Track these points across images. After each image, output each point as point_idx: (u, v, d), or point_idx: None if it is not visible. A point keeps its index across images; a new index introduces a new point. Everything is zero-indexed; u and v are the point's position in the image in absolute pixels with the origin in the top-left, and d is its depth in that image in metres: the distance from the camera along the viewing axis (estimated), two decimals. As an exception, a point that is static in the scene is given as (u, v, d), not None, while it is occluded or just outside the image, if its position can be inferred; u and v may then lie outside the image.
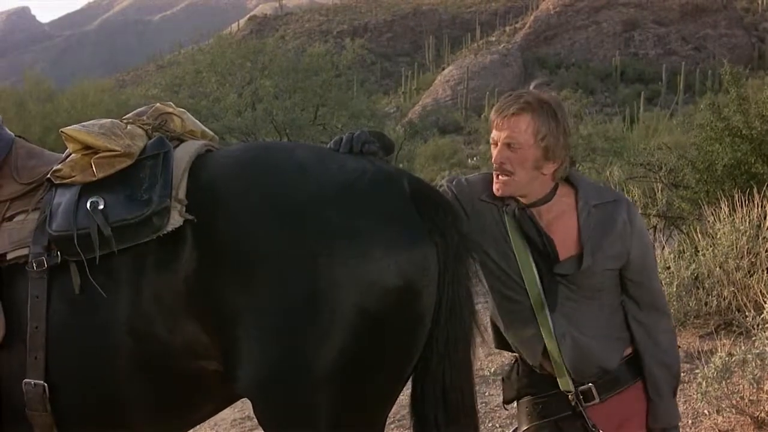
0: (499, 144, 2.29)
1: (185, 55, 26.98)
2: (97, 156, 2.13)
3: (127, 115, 2.36)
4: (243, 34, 73.25)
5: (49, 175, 2.16)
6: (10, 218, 2.14)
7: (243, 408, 4.76)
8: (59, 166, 2.15)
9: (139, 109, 2.38)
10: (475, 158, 37.60)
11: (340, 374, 1.88)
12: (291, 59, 23.07)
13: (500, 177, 2.30)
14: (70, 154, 2.20)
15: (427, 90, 67.16)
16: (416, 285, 1.94)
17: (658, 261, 6.28)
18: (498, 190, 2.32)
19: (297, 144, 2.39)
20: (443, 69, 71.55)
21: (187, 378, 2.03)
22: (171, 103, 2.44)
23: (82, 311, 2.01)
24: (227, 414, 4.84)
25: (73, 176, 2.12)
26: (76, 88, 20.92)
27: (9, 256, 2.08)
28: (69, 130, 2.19)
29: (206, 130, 2.42)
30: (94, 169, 2.11)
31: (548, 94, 2.33)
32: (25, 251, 2.07)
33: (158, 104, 2.39)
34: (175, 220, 1.98)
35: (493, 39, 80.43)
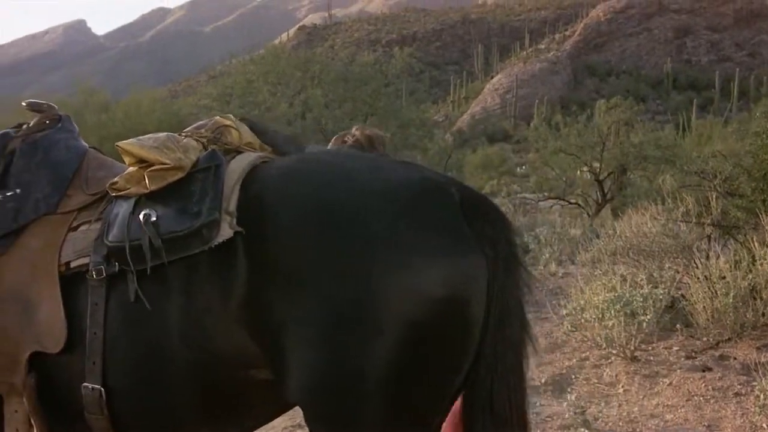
0: None
1: (236, 65, 27.30)
2: (150, 169, 2.18)
3: (187, 128, 2.41)
4: (293, 44, 73.91)
5: (106, 187, 2.23)
6: (76, 228, 2.22)
7: (294, 416, 4.80)
8: (116, 179, 2.22)
9: (200, 122, 2.43)
10: (523, 167, 37.41)
11: (387, 384, 1.87)
12: (340, 69, 23.20)
13: None
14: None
15: (475, 98, 67.05)
16: (463, 295, 1.92)
17: (714, 271, 6.19)
18: None
19: (348, 155, 2.39)
20: (492, 77, 71.37)
21: (239, 385, 2.06)
22: (231, 115, 2.48)
23: (138, 319, 2.06)
24: (278, 422, 4.87)
25: (128, 188, 2.18)
26: (130, 99, 21.25)
27: (72, 265, 2.15)
28: (124, 144, 2.25)
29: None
30: (147, 181, 2.17)
31: (368, 130, 2.73)
32: (86, 260, 2.13)
33: (217, 117, 2.43)
34: (225, 232, 2.01)
35: (543, 47, 79.98)
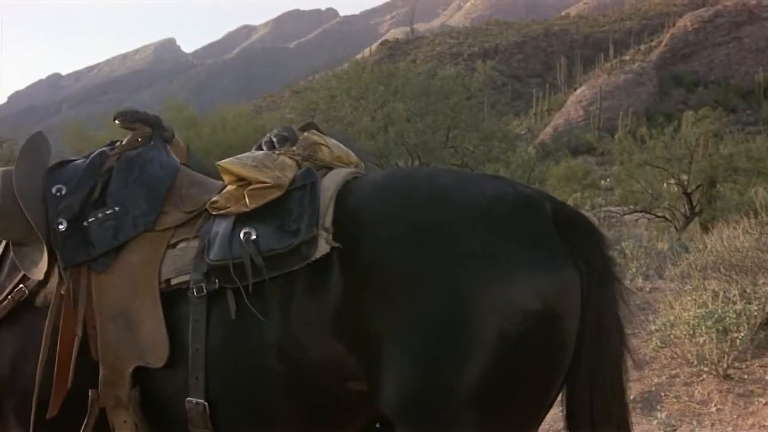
0: None
1: (319, 81, 27.65)
2: (250, 188, 2.21)
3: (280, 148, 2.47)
4: (375, 58, 74.52)
5: (206, 207, 2.27)
6: (174, 245, 2.26)
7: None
8: (216, 198, 2.26)
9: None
10: (608, 179, 36.77)
11: (480, 398, 1.88)
12: (422, 82, 23.26)
13: None
14: (226, 186, 2.33)
15: (558, 111, 66.26)
16: (557, 309, 1.92)
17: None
18: None
19: (439, 170, 2.42)
20: (575, 89, 70.47)
21: (336, 397, 2.09)
22: (317, 130, 2.53)
23: (238, 335, 2.10)
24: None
25: (228, 207, 2.22)
26: (216, 115, 21.70)
27: (173, 282, 2.20)
28: (224, 163, 2.29)
29: (351, 154, 2.50)
30: (246, 200, 2.19)
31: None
32: (186, 277, 2.17)
33: (306, 133, 2.48)
34: (322, 248, 2.03)
35: (627, 58, 78.50)
